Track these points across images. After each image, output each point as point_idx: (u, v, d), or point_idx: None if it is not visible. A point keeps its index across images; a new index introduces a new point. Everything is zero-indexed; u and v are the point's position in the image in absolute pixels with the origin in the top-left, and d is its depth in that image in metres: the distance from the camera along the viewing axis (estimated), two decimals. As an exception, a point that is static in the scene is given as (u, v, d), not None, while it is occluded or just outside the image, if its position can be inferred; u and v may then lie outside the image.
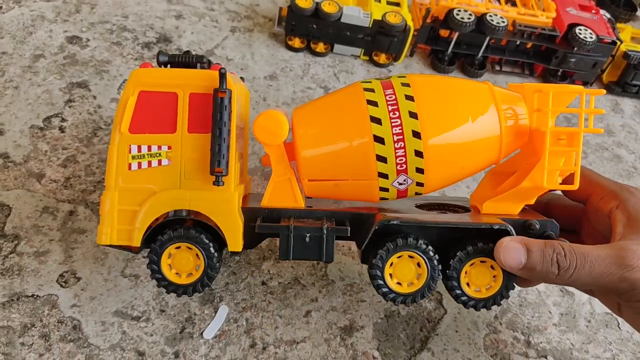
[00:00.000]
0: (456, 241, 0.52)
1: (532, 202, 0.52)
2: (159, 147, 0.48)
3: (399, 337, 0.58)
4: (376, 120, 0.49)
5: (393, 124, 0.49)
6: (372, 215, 0.52)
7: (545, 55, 0.93)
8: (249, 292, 0.59)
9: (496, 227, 0.50)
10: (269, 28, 0.93)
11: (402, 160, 0.49)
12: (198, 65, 0.51)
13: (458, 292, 0.51)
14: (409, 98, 0.50)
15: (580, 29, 0.89)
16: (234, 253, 0.51)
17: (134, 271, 0.59)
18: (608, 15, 0.97)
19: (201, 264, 0.51)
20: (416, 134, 0.49)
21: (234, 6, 0.96)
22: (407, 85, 0.51)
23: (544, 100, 0.51)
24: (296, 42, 0.89)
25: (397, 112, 0.49)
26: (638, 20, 1.15)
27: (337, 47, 0.90)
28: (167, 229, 0.50)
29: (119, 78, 0.78)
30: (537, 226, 0.50)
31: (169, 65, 0.51)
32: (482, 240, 0.50)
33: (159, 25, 0.88)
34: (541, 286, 0.64)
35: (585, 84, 0.96)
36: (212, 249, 0.50)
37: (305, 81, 0.85)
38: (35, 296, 0.56)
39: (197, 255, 0.51)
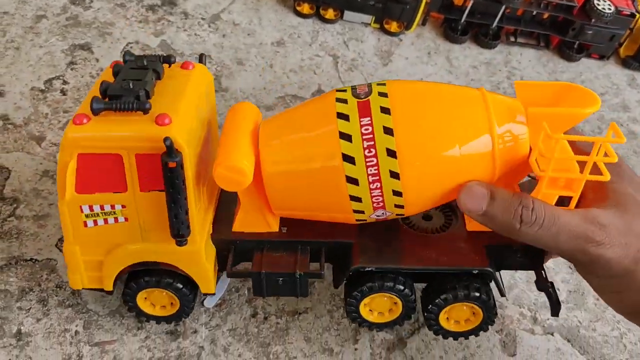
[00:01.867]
0: (436, 277, 0.50)
1: None
2: (112, 206, 0.44)
3: (403, 310, 0.57)
4: (345, 137, 0.43)
5: (366, 146, 0.43)
6: (350, 245, 0.49)
7: (562, 27, 0.90)
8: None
9: (475, 271, 0.48)
10: (278, -7, 0.91)
11: (378, 198, 0.44)
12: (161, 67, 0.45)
13: (435, 327, 0.51)
14: (385, 111, 0.43)
15: (598, 0, 0.86)
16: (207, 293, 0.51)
17: (135, 237, 0.58)
18: (628, -13, 0.94)
19: (176, 302, 0.50)
20: (391, 153, 0.42)
21: (242, -30, 0.93)
22: (385, 95, 0.44)
23: (551, 126, 0.42)
24: (305, 8, 0.87)
25: (371, 132, 0.43)
26: (658, -7, 1.11)
27: (347, 14, 0.87)
28: (139, 277, 0.48)
29: (122, 41, 0.76)
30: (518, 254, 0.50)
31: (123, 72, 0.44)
32: (463, 282, 0.48)
33: (165, -12, 0.85)
34: (549, 263, 0.62)
35: (601, 57, 0.93)
36: (185, 291, 0.49)
37: (314, 48, 0.83)
38: (33, 260, 0.55)
39: (172, 295, 0.50)
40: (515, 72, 0.86)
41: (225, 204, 0.51)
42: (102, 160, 0.41)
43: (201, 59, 0.50)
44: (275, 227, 0.49)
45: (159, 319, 0.52)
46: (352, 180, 0.43)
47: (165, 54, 0.46)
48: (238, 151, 0.44)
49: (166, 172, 0.41)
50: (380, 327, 0.52)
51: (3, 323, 0.51)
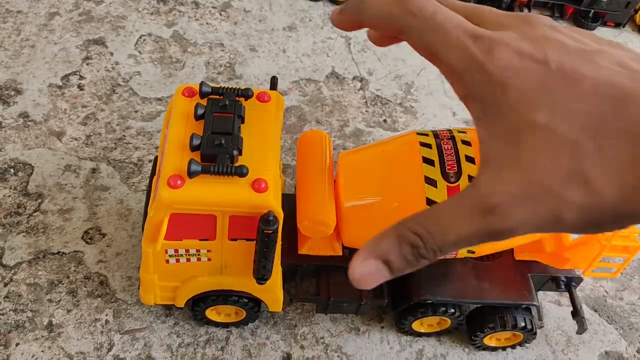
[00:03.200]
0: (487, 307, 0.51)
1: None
2: (198, 250, 0.44)
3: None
4: (430, 182, 0.43)
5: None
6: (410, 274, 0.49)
7: (576, -4, 0.89)
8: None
9: (524, 306, 0.50)
10: (287, -22, 0.90)
11: None
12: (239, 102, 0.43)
13: (478, 345, 0.53)
14: (470, 160, 0.44)
15: (613, -34, 0.85)
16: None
17: (158, 227, 0.59)
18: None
19: (242, 312, 0.51)
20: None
21: (250, -44, 0.93)
22: (468, 143, 0.44)
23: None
24: (315, -9, 0.86)
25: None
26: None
27: (358, -5, 0.86)
28: (210, 297, 0.49)
29: (135, 34, 0.76)
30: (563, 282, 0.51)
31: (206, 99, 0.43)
32: (511, 314, 0.50)
33: (174, -21, 0.85)
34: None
35: (617, 25, 0.91)
36: (252, 305, 0.50)
37: (325, 31, 0.82)
38: (61, 253, 0.56)
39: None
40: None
41: (288, 222, 0.49)
42: (195, 217, 0.41)
43: (273, 83, 0.48)
44: (339, 251, 0.49)
45: (226, 325, 0.53)
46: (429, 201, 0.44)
47: (242, 87, 0.44)
48: (322, 202, 0.45)
49: (262, 236, 0.41)
50: (429, 335, 0.54)
51: (34, 316, 0.52)
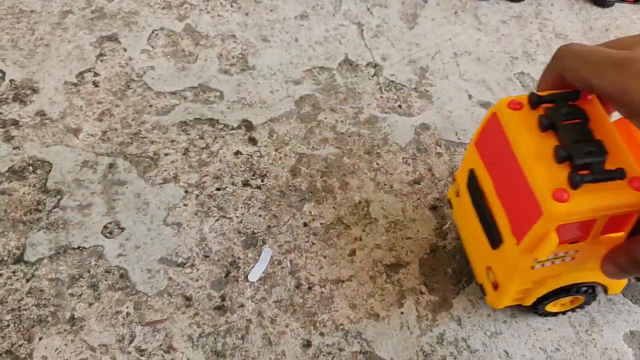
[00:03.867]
0: None
1: None
2: (566, 252, 0.45)
3: (446, 271, 0.56)
4: None
5: None
6: None
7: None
8: (291, 234, 0.58)
9: None
10: (297, -34, 0.90)
11: None
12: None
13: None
14: None
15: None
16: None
17: (176, 219, 0.59)
18: None
19: (579, 299, 0.52)
20: None
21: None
22: None
23: None
24: (326, -21, 0.86)
25: None
26: None
27: (369, -19, 0.86)
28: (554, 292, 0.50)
29: (148, 29, 0.77)
30: None
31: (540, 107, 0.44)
32: None
33: (185, -28, 0.86)
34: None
35: (636, 0, 0.89)
36: (591, 291, 0.50)
37: (338, 18, 0.82)
38: (81, 248, 0.57)
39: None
40: (547, 23, 0.84)
41: None
42: (575, 224, 0.42)
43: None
44: None
45: (563, 312, 0.54)
46: None
47: (570, 91, 0.44)
48: None
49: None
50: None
51: (57, 310, 0.53)
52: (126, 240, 0.57)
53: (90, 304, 0.53)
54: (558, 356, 0.52)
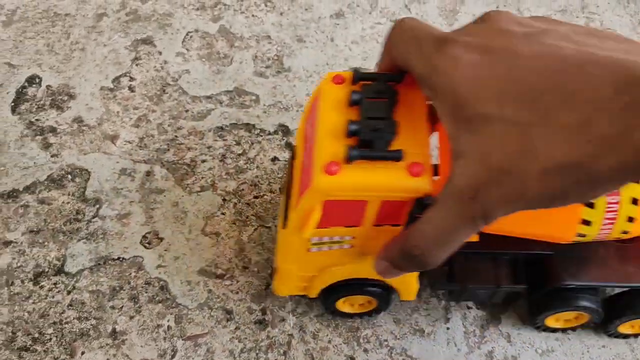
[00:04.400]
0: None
1: None
2: (342, 237, 0.43)
3: (494, 284, 0.55)
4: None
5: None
6: (548, 257, 0.47)
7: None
8: (331, 244, 0.57)
9: None
10: (332, -38, 0.88)
11: (609, 223, 0.43)
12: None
13: (612, 333, 0.52)
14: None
15: None
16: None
17: (215, 229, 0.58)
18: None
19: (373, 302, 0.51)
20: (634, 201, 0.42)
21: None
22: None
23: None
24: (362, -25, 0.83)
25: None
26: None
27: (406, -24, 0.83)
28: (339, 286, 0.49)
29: (182, 31, 0.76)
30: None
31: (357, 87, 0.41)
32: None
33: (218, -29, 0.84)
34: None
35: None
36: (384, 294, 0.49)
37: (374, 16, 0.80)
38: (121, 259, 0.56)
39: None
40: (594, 17, 0.80)
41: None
42: (345, 204, 0.40)
43: None
44: (475, 237, 0.46)
45: (359, 315, 0.53)
46: (590, 204, 0.42)
47: (393, 74, 0.41)
48: None
49: (412, 219, 0.39)
50: (564, 331, 0.52)
51: (98, 323, 0.52)
52: (165, 250, 0.57)
53: (132, 317, 0.53)
54: (612, 374, 0.50)
